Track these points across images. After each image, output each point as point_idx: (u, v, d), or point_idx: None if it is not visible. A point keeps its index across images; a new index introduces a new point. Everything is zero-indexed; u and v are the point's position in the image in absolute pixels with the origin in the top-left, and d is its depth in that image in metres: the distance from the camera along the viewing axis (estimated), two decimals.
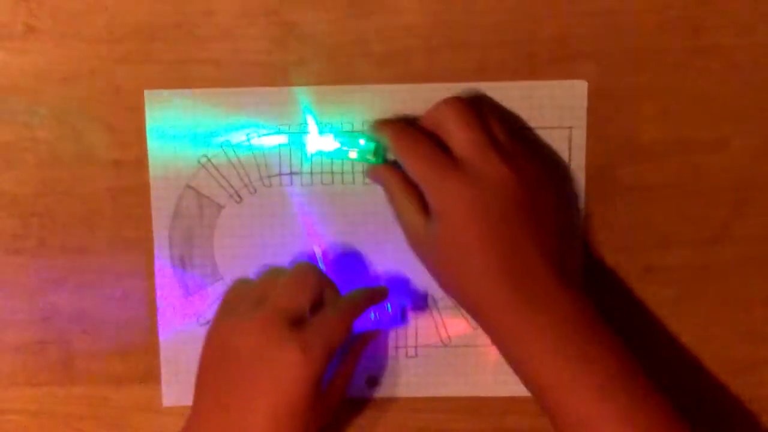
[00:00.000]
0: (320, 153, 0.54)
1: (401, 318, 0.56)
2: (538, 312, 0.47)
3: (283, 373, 0.47)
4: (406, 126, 0.52)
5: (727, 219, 0.56)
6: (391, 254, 0.55)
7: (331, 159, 0.54)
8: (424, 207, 0.50)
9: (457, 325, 0.56)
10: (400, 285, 0.56)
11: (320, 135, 0.54)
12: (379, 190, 0.54)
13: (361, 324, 0.54)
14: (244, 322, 0.49)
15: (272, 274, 0.52)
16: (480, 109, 0.50)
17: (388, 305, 0.55)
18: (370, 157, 0.54)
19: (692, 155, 0.55)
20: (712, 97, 0.54)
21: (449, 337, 0.56)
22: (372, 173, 0.54)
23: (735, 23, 0.54)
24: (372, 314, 0.55)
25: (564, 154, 0.55)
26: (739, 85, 0.54)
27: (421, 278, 0.55)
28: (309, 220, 0.55)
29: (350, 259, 0.55)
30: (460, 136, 0.49)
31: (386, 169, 0.52)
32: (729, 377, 0.52)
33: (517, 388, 0.57)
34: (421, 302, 0.56)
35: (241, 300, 0.51)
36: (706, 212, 0.55)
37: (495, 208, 0.48)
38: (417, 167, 0.49)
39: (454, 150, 0.49)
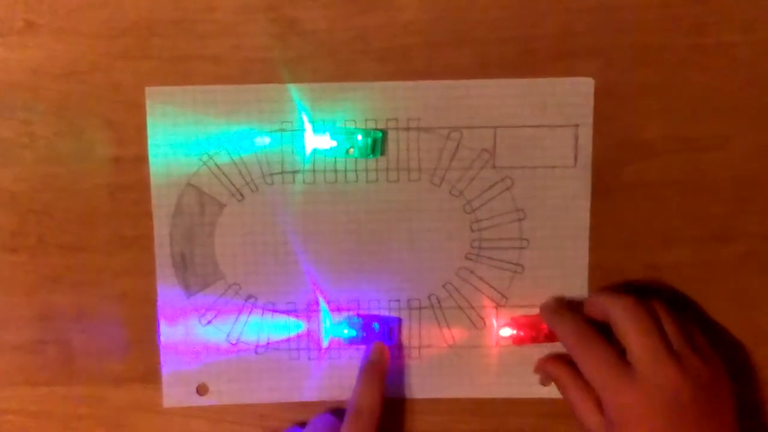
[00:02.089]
0: (318, 151, 0.54)
1: (389, 337, 0.56)
2: None
3: None
4: (582, 325, 0.52)
5: (730, 216, 0.55)
6: (395, 252, 0.55)
7: (334, 157, 0.54)
8: (599, 404, 0.51)
9: (460, 326, 0.56)
10: (403, 283, 0.55)
11: (315, 133, 0.54)
12: (381, 189, 0.54)
13: (350, 342, 0.55)
14: None
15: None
16: (653, 312, 0.51)
17: (375, 324, 0.55)
18: (369, 153, 0.54)
19: (695, 152, 0.55)
20: (714, 94, 0.54)
21: (452, 338, 0.56)
22: (544, 367, 0.55)
23: (738, 20, 0.54)
24: (361, 333, 0.55)
25: (570, 152, 0.54)
26: (742, 82, 0.54)
27: (424, 277, 0.55)
28: (311, 219, 0.55)
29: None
30: (638, 342, 0.50)
31: (560, 367, 0.54)
32: (732, 375, 0.52)
33: (519, 390, 0.57)
34: (424, 301, 0.56)
35: None
36: (710, 209, 0.55)
37: (674, 416, 0.49)
38: (594, 373, 0.50)
39: (629, 351, 0.50)
